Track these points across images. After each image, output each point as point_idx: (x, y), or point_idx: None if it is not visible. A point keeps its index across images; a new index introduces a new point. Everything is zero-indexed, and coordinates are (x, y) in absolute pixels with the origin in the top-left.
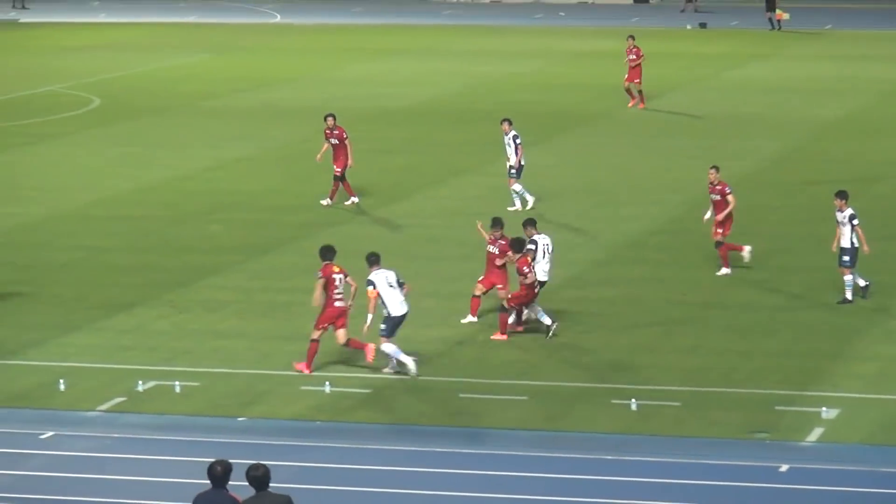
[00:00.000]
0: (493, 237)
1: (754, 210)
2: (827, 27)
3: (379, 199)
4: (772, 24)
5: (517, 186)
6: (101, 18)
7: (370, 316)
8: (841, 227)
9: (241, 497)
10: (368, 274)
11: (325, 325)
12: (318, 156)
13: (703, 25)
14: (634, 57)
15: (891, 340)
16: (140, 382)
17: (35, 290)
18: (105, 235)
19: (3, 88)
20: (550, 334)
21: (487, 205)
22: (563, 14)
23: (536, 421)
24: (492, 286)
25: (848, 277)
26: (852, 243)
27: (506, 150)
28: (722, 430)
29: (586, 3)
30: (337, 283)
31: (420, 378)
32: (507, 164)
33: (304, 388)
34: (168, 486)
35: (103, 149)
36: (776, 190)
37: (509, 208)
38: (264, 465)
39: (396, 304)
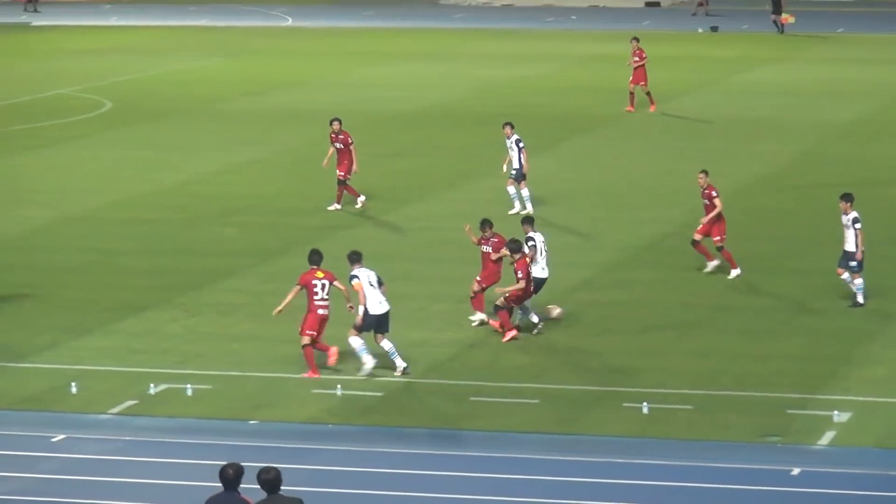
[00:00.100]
0: (483, 238)
1: (765, 213)
2: (839, 30)
3: (389, 203)
4: (777, 27)
5: (511, 189)
6: (113, 21)
7: (361, 307)
8: (845, 230)
9: (252, 500)
10: (350, 271)
11: (311, 331)
12: (325, 161)
13: (714, 29)
14: (637, 59)
15: None
16: (152, 385)
17: (47, 294)
18: (117, 239)
19: (16, 92)
20: (535, 332)
21: (497, 208)
22: (574, 17)
23: (548, 424)
24: (491, 283)
25: (858, 281)
26: (857, 247)
27: (508, 153)
28: (734, 434)
29: (597, 6)
30: (317, 288)
31: (432, 381)
32: (505, 167)
33: (315, 391)
34: (180, 489)
35: (115, 152)
36: (787, 193)
37: (510, 212)
38: (276, 468)
39: (376, 303)
